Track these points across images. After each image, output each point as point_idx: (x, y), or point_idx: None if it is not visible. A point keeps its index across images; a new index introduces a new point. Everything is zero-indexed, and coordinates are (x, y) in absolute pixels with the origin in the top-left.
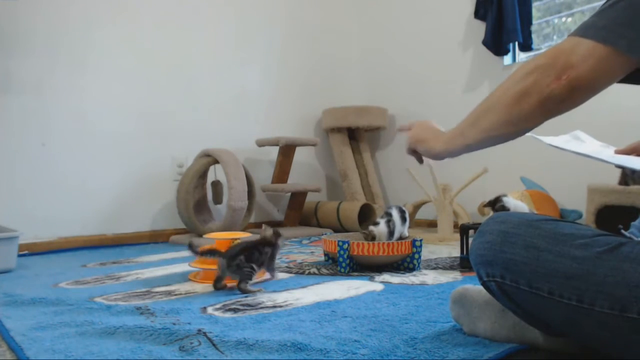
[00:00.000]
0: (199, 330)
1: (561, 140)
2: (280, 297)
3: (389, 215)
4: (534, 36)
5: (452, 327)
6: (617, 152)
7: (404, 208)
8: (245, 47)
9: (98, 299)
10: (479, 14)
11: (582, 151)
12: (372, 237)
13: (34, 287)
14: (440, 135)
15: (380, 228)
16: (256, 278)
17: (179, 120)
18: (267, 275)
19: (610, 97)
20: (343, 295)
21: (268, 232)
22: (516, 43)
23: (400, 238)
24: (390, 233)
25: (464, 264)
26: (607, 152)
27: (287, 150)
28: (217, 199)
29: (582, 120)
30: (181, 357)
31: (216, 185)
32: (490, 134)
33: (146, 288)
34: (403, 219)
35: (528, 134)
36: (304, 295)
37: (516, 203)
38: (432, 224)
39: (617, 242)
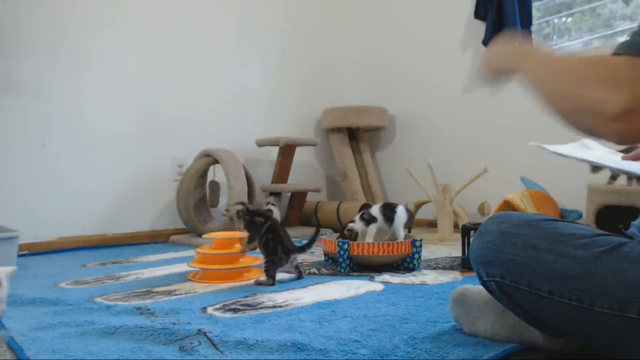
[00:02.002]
0: (199, 330)
1: (568, 149)
2: (280, 297)
3: (367, 210)
4: (534, 36)
5: (452, 327)
6: (625, 158)
7: (398, 207)
8: (245, 47)
9: (98, 299)
10: (479, 14)
11: (588, 158)
12: (355, 235)
13: (34, 287)
14: (529, 54)
15: (357, 224)
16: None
17: (179, 120)
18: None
19: None
20: (343, 295)
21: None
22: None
23: (394, 238)
24: (367, 222)
25: (465, 264)
26: (614, 159)
27: (287, 150)
28: (214, 201)
29: None
30: (181, 357)
31: (213, 185)
32: (551, 102)
33: (146, 288)
34: (385, 216)
35: (532, 143)
36: (304, 295)
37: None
38: (432, 224)
39: (617, 242)
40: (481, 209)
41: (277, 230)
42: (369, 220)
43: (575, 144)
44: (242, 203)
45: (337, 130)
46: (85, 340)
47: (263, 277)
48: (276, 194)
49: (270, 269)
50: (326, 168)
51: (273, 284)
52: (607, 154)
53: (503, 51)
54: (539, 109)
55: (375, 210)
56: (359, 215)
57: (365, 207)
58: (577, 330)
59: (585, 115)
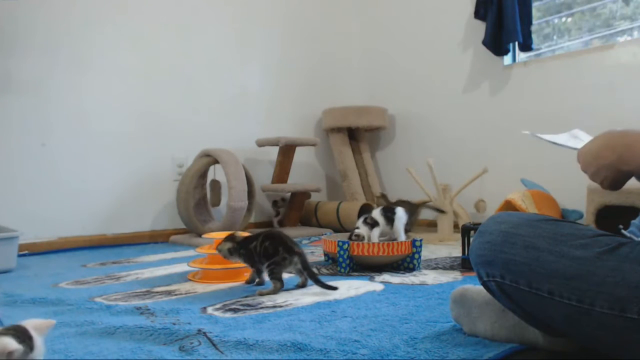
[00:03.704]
0: (199, 330)
1: (560, 138)
2: (280, 297)
3: (369, 214)
4: (534, 36)
5: (452, 327)
6: None
7: (397, 208)
8: (245, 47)
9: (98, 299)
10: (479, 14)
11: (579, 147)
12: (362, 240)
13: (34, 287)
14: (611, 163)
15: (362, 229)
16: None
17: (179, 120)
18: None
19: (610, 97)
20: (343, 295)
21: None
22: (516, 43)
23: (393, 239)
24: (371, 226)
25: (465, 264)
26: None
27: (287, 150)
28: (215, 200)
29: (583, 121)
30: (181, 357)
31: (214, 185)
32: None
33: (146, 288)
34: (386, 218)
35: (526, 132)
36: (304, 295)
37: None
38: (432, 224)
39: (617, 243)
40: (477, 206)
41: (274, 235)
42: (372, 224)
43: (565, 134)
44: (231, 239)
45: (337, 130)
46: (85, 340)
47: (266, 288)
48: (282, 199)
49: (275, 271)
50: (326, 168)
51: (282, 287)
52: None
53: (594, 161)
54: (537, 108)
55: (376, 213)
56: (362, 220)
57: (366, 207)
58: (577, 331)
59: None
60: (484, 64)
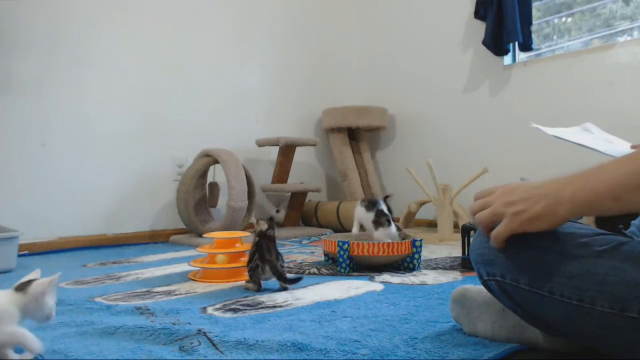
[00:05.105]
0: (199, 330)
1: (568, 132)
2: (280, 297)
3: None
4: (534, 36)
5: (452, 327)
6: (633, 147)
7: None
8: (245, 47)
9: (98, 299)
10: (479, 14)
11: (585, 143)
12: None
13: None
14: (554, 191)
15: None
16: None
17: (179, 121)
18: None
19: (610, 97)
20: (343, 295)
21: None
22: (516, 43)
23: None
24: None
25: (465, 264)
26: (621, 147)
27: (287, 150)
28: (213, 202)
29: (583, 121)
30: (181, 357)
31: (213, 187)
32: None
33: (146, 288)
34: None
35: (534, 125)
36: (304, 295)
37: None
38: (432, 224)
39: (617, 242)
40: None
41: (260, 244)
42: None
43: (576, 128)
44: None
45: (337, 130)
46: (85, 340)
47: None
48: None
49: (251, 275)
50: (326, 168)
51: (258, 290)
52: (612, 139)
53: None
54: (537, 109)
55: (381, 204)
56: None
57: None
58: (578, 330)
59: None
60: (484, 64)
